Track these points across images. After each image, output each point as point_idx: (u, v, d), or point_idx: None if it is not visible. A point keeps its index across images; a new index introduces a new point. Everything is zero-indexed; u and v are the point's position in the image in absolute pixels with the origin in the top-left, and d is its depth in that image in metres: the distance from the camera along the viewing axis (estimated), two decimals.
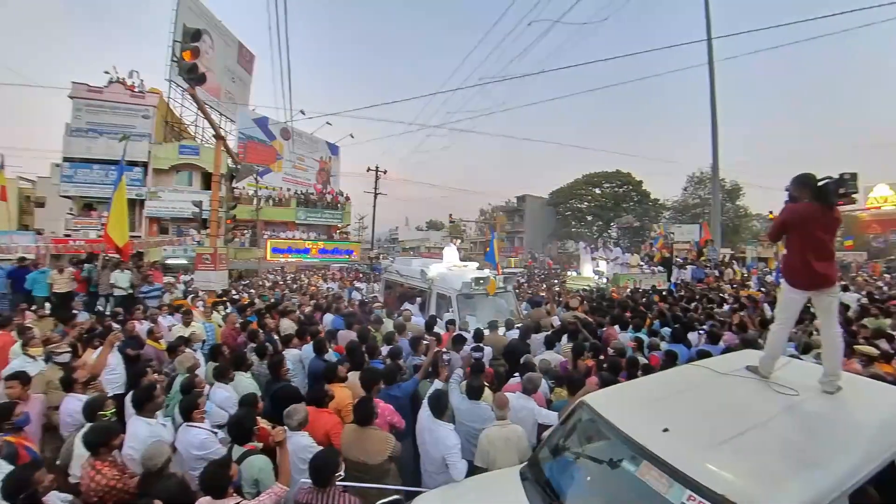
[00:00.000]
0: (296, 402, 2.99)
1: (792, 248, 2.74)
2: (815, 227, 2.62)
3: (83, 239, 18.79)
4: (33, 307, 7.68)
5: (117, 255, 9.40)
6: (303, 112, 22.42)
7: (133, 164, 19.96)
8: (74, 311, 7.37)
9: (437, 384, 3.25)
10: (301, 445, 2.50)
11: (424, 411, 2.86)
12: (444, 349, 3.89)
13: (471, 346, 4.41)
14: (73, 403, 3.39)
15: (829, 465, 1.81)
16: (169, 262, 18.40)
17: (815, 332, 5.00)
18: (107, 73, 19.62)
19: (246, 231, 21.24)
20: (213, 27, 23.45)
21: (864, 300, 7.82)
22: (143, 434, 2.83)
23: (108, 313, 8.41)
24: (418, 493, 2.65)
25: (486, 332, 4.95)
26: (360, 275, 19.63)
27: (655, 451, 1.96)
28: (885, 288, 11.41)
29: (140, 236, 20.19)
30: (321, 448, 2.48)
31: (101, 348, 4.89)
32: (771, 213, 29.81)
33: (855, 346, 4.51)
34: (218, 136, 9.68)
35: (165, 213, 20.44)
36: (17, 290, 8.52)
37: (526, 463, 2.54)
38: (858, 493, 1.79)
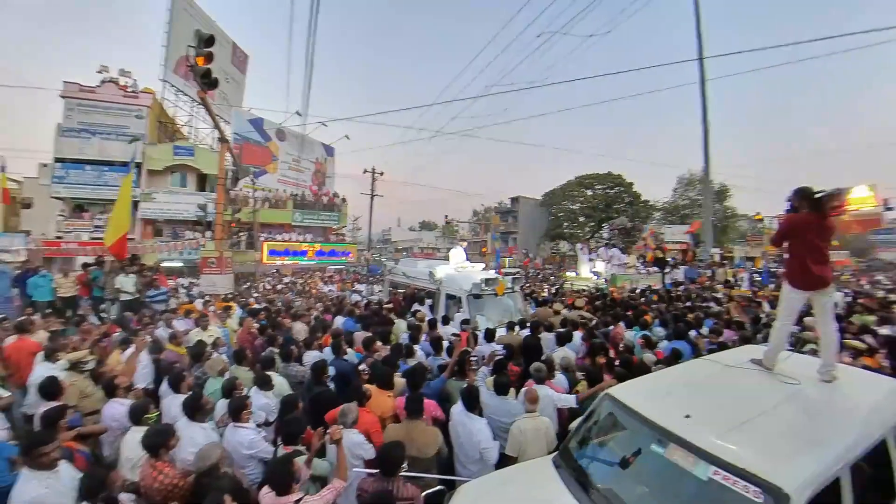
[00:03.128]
0: (333, 406, 3.16)
1: (792, 253, 3.03)
2: (813, 235, 2.91)
3: (75, 241, 18.48)
4: (36, 312, 7.65)
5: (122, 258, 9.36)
6: (299, 114, 22.44)
7: (127, 164, 19.71)
8: (84, 315, 7.39)
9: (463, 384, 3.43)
10: (354, 442, 2.68)
11: (458, 406, 3.06)
12: (468, 349, 4.07)
13: (487, 344, 4.62)
14: (116, 408, 3.51)
15: (833, 442, 2.09)
16: (163, 265, 18.20)
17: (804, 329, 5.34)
18: (99, 72, 19.30)
19: (242, 233, 21.13)
20: (207, 27, 23.23)
21: (849, 298, 8.30)
22: (199, 439, 2.96)
23: (112, 317, 8.44)
24: (452, 481, 2.86)
25: (504, 331, 5.18)
26: (359, 276, 19.71)
27: (681, 434, 2.20)
28: (868, 287, 12.01)
29: (133, 238, 19.93)
30: (369, 443, 2.66)
31: (128, 351, 5.01)
32: (758, 213, 30.76)
33: (844, 341, 4.86)
34: (223, 139, 9.71)
35: (160, 214, 20.21)
36: (23, 294, 8.47)
37: (556, 452, 2.76)
38: (856, 466, 2.06)
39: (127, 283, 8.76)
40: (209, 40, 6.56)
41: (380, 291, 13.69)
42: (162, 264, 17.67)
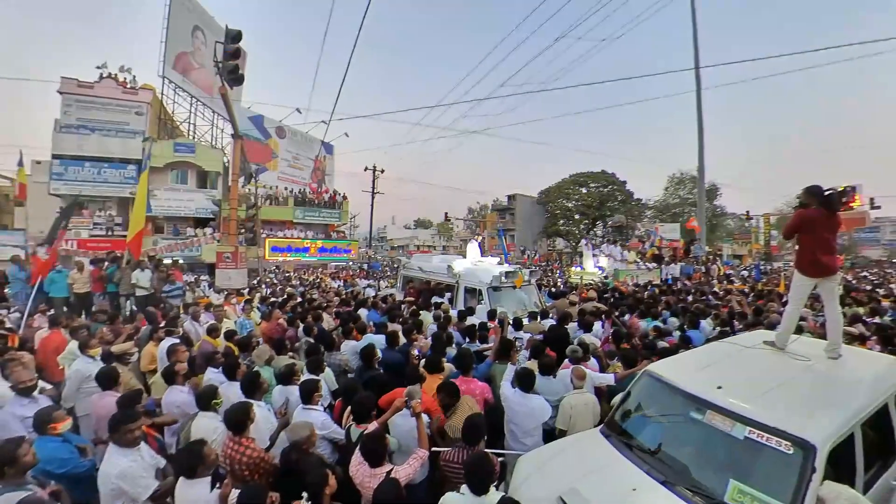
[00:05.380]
0: (386, 390, 3.43)
1: (803, 244, 3.40)
2: (822, 229, 3.28)
3: (75, 239, 18.29)
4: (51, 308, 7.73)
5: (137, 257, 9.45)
6: (299, 111, 22.51)
7: (126, 162, 19.56)
8: (115, 312, 7.49)
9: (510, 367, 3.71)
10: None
11: (510, 389, 3.33)
12: (507, 336, 4.38)
13: (515, 332, 4.94)
14: (178, 395, 3.72)
15: (845, 404, 2.46)
16: (165, 262, 18.12)
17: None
18: (99, 68, 19.09)
19: (244, 231, 21.12)
20: (205, 23, 23.05)
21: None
22: (259, 417, 3.12)
23: (127, 312, 8.55)
24: (503, 455, 3.16)
25: (527, 321, 5.51)
26: (364, 272, 19.92)
27: (717, 402, 2.54)
28: (854, 281, 12.66)
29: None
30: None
31: (163, 342, 5.20)
32: (747, 212, 31.69)
33: None
34: (236, 136, 9.84)
35: (160, 211, 20.07)
36: (39, 290, 8.48)
37: (603, 425, 3.08)
38: (865, 425, 2.42)
39: (142, 278, 8.86)
40: (237, 36, 6.66)
41: (386, 287, 13.94)
42: (172, 261, 17.64)
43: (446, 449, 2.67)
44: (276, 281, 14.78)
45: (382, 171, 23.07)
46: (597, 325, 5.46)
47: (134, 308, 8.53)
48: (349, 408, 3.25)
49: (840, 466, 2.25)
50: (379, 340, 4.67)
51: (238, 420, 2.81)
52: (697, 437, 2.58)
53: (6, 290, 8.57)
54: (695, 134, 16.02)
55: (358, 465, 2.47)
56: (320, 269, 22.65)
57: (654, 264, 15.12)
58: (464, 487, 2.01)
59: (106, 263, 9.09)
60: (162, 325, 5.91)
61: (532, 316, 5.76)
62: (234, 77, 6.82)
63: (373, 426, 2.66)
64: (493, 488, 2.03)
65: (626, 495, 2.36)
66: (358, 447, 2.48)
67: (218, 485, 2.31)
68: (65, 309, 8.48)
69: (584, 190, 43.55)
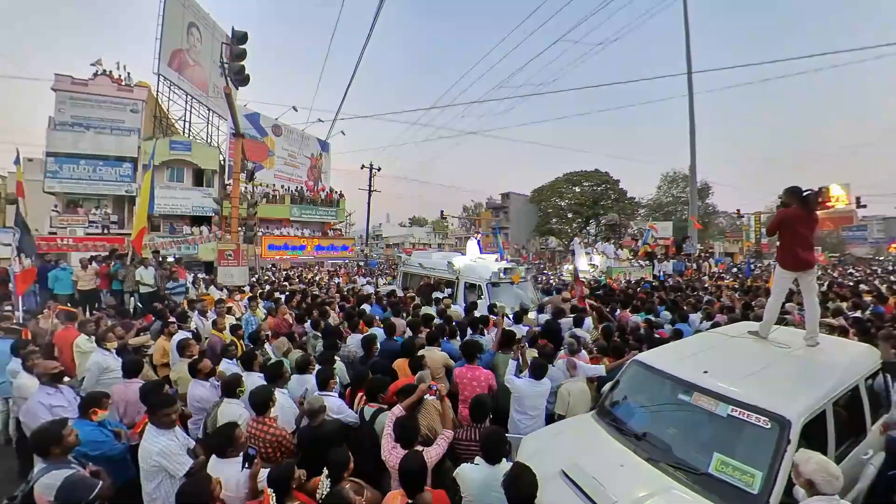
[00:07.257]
0: (385, 374, 3.64)
1: (784, 240, 3.66)
2: (801, 226, 3.55)
3: (70, 237, 18.19)
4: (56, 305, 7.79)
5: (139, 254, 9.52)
6: (295, 108, 22.55)
7: (122, 160, 19.47)
8: (125, 308, 7.59)
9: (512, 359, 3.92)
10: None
11: (518, 379, 3.53)
12: (508, 329, 4.60)
13: (515, 325, 5.18)
14: (199, 390, 3.85)
15: (819, 385, 2.72)
16: (168, 260, 18.07)
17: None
18: (93, 65, 18.93)
19: (243, 228, 21.13)
20: (201, 20, 22.93)
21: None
22: (282, 403, 3.39)
23: (132, 309, 8.65)
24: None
25: (534, 314, 5.76)
26: (362, 270, 20.07)
27: (703, 385, 2.79)
28: (840, 278, 13.12)
29: (129, 234, 19.68)
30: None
31: (175, 336, 5.35)
32: (738, 210, 32.31)
33: (822, 320, 5.60)
34: (238, 134, 9.94)
35: (156, 209, 19.97)
36: (43, 287, 8.55)
37: (594, 410, 3.32)
38: (836, 403, 2.69)
39: (146, 275, 8.97)
40: (243, 38, 6.74)
41: (385, 284, 14.14)
42: (176, 259, 17.59)
43: (459, 429, 2.88)
44: (274, 279, 14.90)
45: (379, 169, 23.16)
46: (587, 321, 5.73)
47: (139, 305, 8.63)
48: (360, 393, 3.47)
49: (814, 441, 2.49)
50: (381, 333, 4.89)
51: (261, 401, 3.03)
52: (684, 416, 2.82)
53: (10, 287, 8.61)
54: (688, 133, 16.44)
55: (390, 450, 2.59)
56: (316, 267, 22.75)
57: (647, 261, 15.50)
58: (478, 458, 2.22)
59: (112, 262, 9.19)
60: (171, 320, 6.06)
61: (524, 310, 5.99)
62: (240, 78, 6.92)
63: (398, 409, 2.82)
64: (504, 460, 2.24)
65: (615, 470, 2.59)
66: (391, 429, 2.63)
67: (247, 464, 2.49)
68: (69, 305, 8.56)
69: (577, 189, 43.96)
